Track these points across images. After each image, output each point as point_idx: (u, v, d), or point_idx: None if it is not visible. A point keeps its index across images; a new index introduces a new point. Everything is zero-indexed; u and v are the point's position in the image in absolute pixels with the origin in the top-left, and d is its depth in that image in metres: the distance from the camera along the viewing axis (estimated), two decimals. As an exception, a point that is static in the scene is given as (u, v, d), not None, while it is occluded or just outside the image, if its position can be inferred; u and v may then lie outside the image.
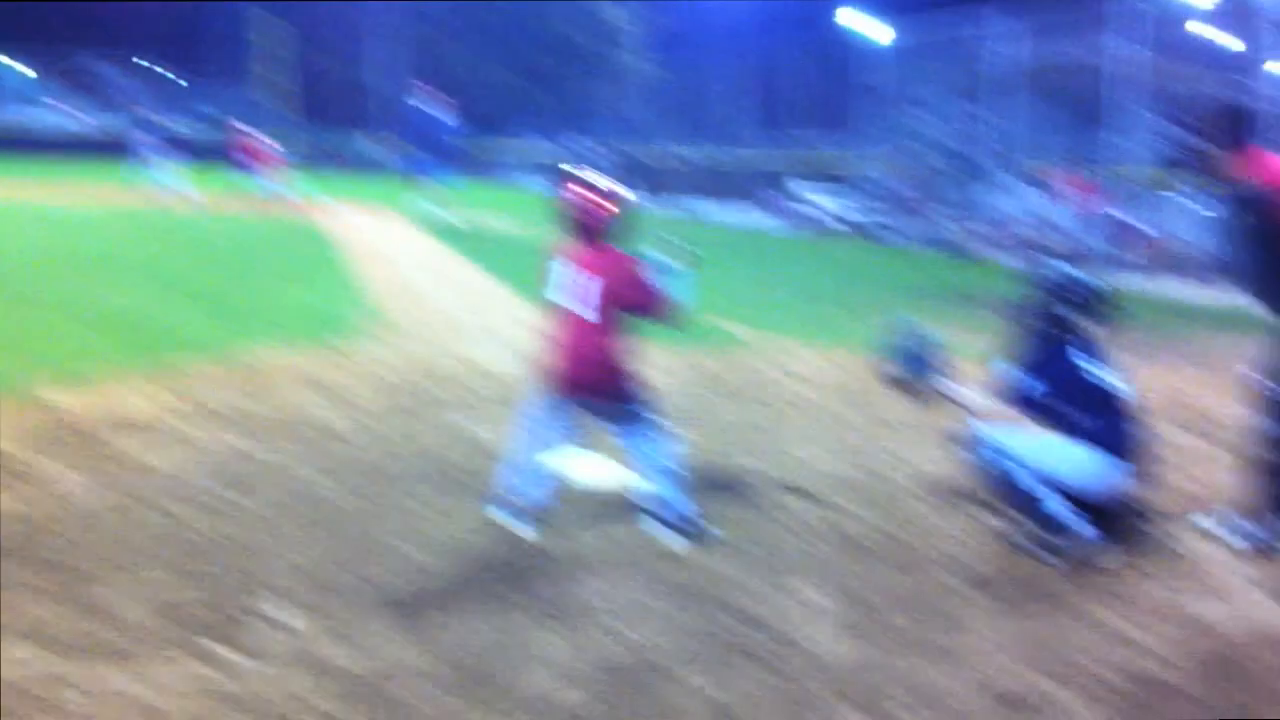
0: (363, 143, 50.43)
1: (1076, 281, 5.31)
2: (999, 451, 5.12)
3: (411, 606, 4.32)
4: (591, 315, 4.92)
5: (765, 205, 26.78)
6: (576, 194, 5.01)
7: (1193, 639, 4.30)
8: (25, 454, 5.87)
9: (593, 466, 5.83)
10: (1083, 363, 5.14)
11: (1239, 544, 5.18)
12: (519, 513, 5.15)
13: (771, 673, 3.88)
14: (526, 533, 5.09)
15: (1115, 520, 5.10)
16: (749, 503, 5.70)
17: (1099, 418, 5.05)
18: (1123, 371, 5.23)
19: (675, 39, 47.43)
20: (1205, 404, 8.20)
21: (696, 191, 28.94)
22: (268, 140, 24.54)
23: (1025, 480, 5.04)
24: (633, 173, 32.43)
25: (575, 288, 4.96)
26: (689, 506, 5.13)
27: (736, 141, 30.17)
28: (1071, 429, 5.08)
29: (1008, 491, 5.11)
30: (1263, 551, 5.11)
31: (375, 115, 49.14)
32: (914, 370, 5.54)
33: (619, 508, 5.43)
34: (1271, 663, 4.14)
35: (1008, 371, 5.26)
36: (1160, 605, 4.59)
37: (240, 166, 24.35)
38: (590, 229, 5.00)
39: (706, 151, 32.46)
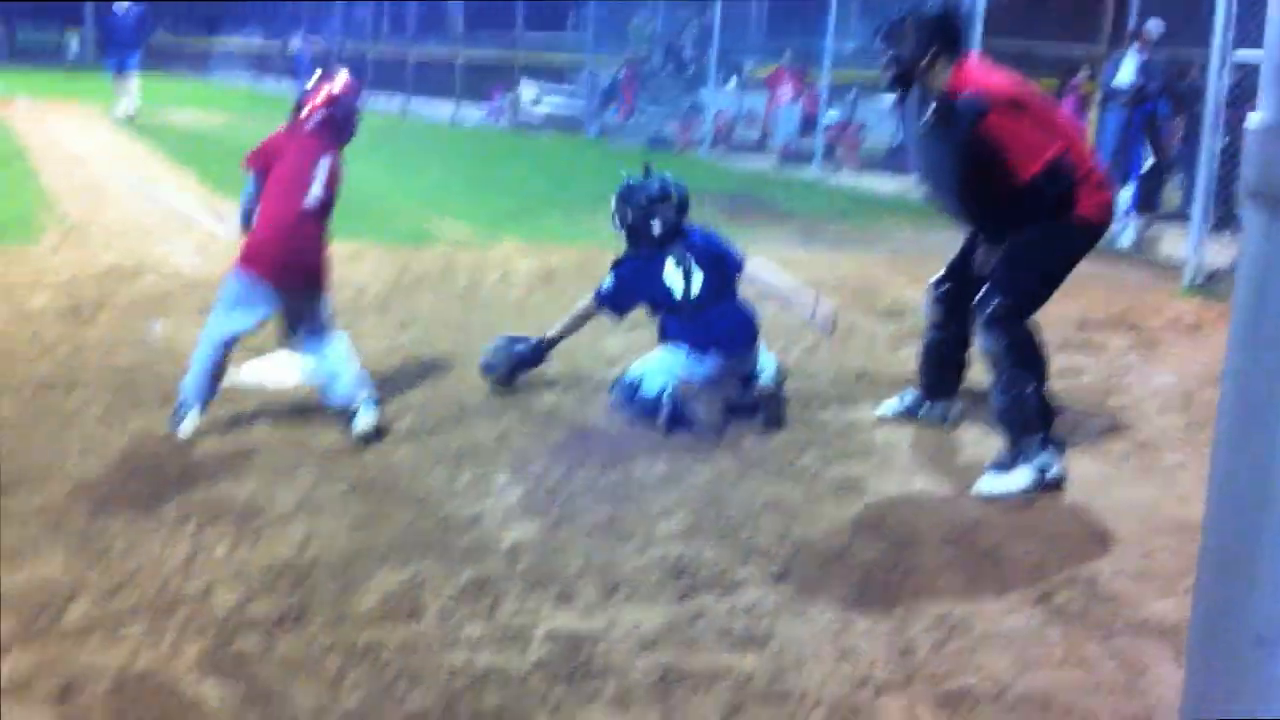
0: (73, 40, 47.74)
1: (643, 188, 5.55)
2: (623, 384, 5.43)
3: (79, 519, 4.05)
4: (298, 200, 4.93)
5: (488, 104, 26.44)
6: (300, 85, 5.18)
7: (847, 502, 4.53)
8: None
9: (269, 365, 5.65)
10: (667, 266, 5.46)
11: (903, 417, 5.50)
12: (197, 411, 4.97)
13: (453, 559, 3.86)
14: (187, 429, 4.92)
15: (765, 403, 5.37)
16: (439, 394, 5.65)
17: (691, 316, 5.40)
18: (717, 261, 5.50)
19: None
20: (897, 291, 8.61)
21: (420, 90, 28.29)
22: None
23: (649, 399, 5.29)
24: (354, 70, 31.43)
25: (288, 174, 4.94)
26: (364, 398, 5.03)
27: (460, 40, 29.56)
28: (671, 331, 5.47)
29: (644, 413, 5.31)
30: (927, 426, 5.44)
31: (90, 13, 46.60)
32: (507, 375, 5.75)
33: (292, 405, 5.31)
34: (912, 519, 4.41)
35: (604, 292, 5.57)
36: (819, 474, 4.82)
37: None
38: (302, 117, 5.05)
39: (429, 50, 31.69)
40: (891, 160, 16.81)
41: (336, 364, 5.03)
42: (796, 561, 3.96)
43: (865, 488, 4.70)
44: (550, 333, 5.74)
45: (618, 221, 5.58)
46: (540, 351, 5.71)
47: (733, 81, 21.93)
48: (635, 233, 5.53)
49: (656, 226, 5.47)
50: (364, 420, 4.94)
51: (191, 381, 4.97)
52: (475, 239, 10.13)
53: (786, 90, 19.11)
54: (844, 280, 8.96)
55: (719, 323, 5.39)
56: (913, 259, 9.92)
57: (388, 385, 5.69)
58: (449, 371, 6.03)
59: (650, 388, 5.29)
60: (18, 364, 5.79)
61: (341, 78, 5.18)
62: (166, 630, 3.33)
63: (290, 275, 4.94)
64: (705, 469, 4.81)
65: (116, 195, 11.73)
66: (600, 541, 4.06)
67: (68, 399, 5.33)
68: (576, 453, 4.94)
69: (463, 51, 27.79)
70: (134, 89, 20.71)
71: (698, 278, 5.42)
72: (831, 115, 17.85)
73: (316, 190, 4.92)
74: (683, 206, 5.56)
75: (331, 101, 5.05)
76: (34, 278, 7.66)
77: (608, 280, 5.57)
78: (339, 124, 5.07)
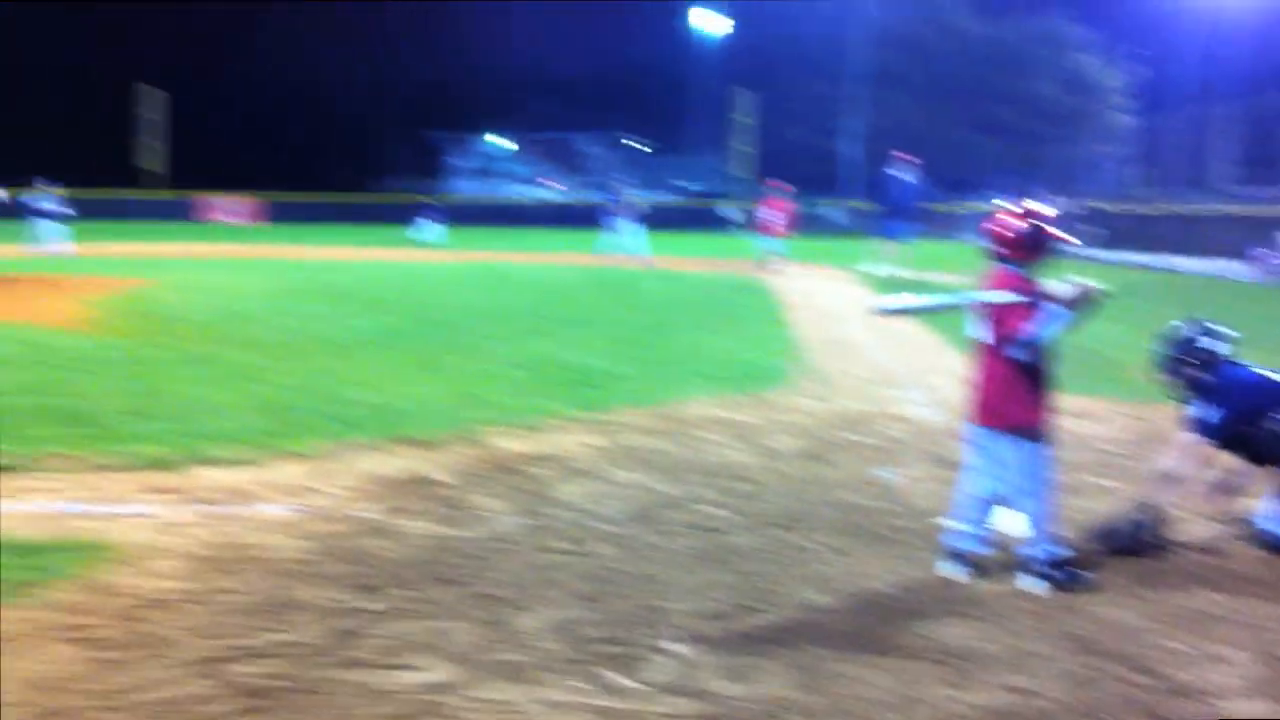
0: (827, 206, 52.11)
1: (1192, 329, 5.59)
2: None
3: (801, 645, 4.22)
4: (989, 338, 4.88)
5: (1251, 258, 24.67)
6: (994, 216, 5.01)
7: None
8: (455, 484, 6.31)
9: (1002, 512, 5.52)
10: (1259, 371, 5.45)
11: None
12: (959, 557, 5.05)
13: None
14: (961, 576, 4.97)
15: None
16: (1163, 551, 5.24)
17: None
18: None
19: (1155, 89, 45.21)
20: None
21: (1172, 245, 27.14)
22: (789, 202, 24.52)
23: None
24: (1100, 227, 30.92)
25: (980, 312, 4.92)
26: (1061, 550, 4.85)
27: (1218, 192, 28.08)
28: None
29: None
30: None
31: (843, 180, 50.74)
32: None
33: (1011, 553, 5.14)
34: None
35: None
36: None
37: (758, 226, 24.91)
38: (998, 247, 4.93)
39: (1184, 204, 30.41)
40: None
41: (1026, 507, 4.93)
42: None
43: None
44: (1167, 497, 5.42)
45: (1181, 374, 5.52)
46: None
47: None
48: (1206, 366, 5.44)
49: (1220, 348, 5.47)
50: (1039, 582, 4.80)
51: (958, 522, 5.10)
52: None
53: None
54: None
55: None
56: None
57: (1101, 535, 5.36)
58: (1167, 528, 5.54)
59: None
60: (761, 500, 6.17)
61: (1008, 203, 5.02)
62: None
63: (980, 413, 4.96)
64: None
65: (863, 348, 12.29)
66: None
67: (802, 534, 5.58)
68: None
69: (1222, 205, 26.27)
70: (902, 256, 21.92)
71: None
72: None
73: (987, 324, 4.87)
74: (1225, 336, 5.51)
75: (996, 225, 4.89)
76: (780, 420, 8.19)
77: (1198, 411, 5.33)
78: (1003, 246, 4.87)
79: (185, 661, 4.04)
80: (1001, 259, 4.89)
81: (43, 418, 7.57)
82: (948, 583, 4.86)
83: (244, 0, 60.59)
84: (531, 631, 4.36)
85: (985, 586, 4.84)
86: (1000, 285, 4.84)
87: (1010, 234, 4.85)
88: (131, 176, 51.58)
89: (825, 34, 50.64)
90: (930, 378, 10.18)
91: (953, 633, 4.30)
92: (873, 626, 4.38)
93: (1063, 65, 49.72)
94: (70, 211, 25.55)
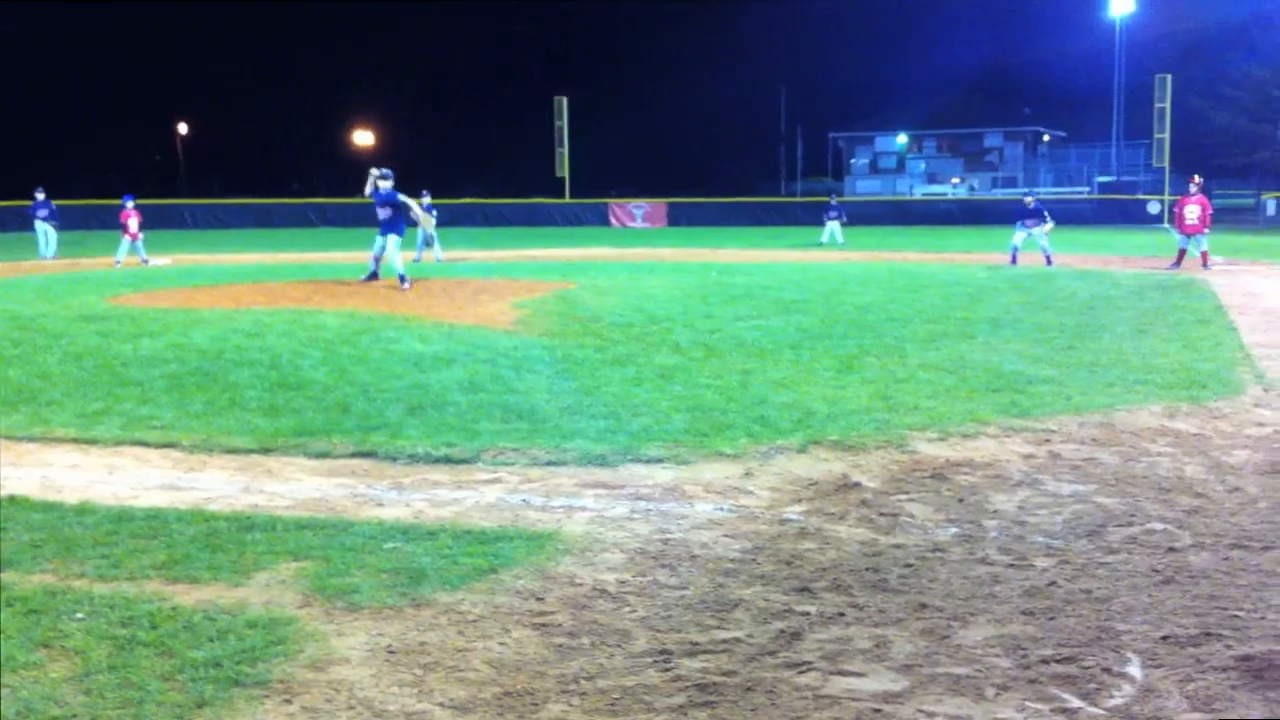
0: (1269, 202, 48.61)
1: None
2: None
3: (1268, 674, 3.86)
4: None
5: None
6: None
7: None
8: (882, 489, 6.23)
9: None
10: None
11: None
12: None
13: None
14: None
15: None
16: None
17: None
18: None
19: None
20: None
21: None
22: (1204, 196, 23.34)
23: None
24: None
25: None
26: None
27: None
28: None
29: None
30: None
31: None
32: None
33: None
34: None
35: None
36: None
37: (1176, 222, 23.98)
38: None
39: None
40: None
41: None
42: None
43: None
44: None
45: None
46: None
47: None
48: None
49: None
50: None
51: None
52: None
53: None
54: None
55: None
56: None
57: None
58: None
59: None
60: (1217, 517, 5.72)
61: None
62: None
63: None
64: None
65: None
66: None
67: (1255, 551, 5.16)
68: None
69: None
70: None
71: None
72: None
73: None
74: None
75: None
76: (1234, 432, 7.57)
77: None
78: None
79: (635, 653, 4.16)
80: None
81: (487, 413, 8.06)
82: None
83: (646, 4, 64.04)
84: (975, 645, 4.20)
85: None
86: None
87: None
88: (553, 185, 54.44)
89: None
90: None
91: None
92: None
93: None
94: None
